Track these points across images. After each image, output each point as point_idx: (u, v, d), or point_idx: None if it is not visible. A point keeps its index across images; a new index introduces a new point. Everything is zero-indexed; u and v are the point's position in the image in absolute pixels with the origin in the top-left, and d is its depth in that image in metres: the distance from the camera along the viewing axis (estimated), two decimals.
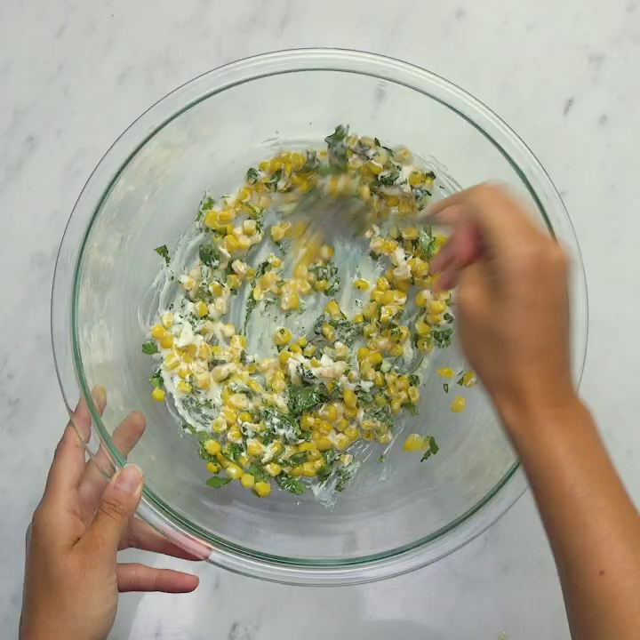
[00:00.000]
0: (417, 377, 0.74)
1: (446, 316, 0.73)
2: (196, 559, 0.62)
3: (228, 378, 0.74)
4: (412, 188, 0.72)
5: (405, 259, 0.74)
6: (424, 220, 0.72)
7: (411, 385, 0.73)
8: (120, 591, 0.59)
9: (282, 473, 0.72)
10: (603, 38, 0.82)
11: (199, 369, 0.73)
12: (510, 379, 0.49)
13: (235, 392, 0.74)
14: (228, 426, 0.73)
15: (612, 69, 0.81)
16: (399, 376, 0.73)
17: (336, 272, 0.76)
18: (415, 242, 0.74)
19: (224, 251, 0.74)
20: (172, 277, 0.74)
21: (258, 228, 0.75)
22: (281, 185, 0.74)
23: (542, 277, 0.48)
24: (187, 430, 0.73)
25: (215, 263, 0.74)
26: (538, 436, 0.48)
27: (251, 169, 0.73)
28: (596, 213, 0.80)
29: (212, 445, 0.72)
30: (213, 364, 0.74)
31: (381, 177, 0.72)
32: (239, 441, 0.73)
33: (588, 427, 0.50)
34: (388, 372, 0.74)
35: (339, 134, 0.72)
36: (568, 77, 0.81)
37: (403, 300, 0.74)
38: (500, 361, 0.49)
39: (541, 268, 0.48)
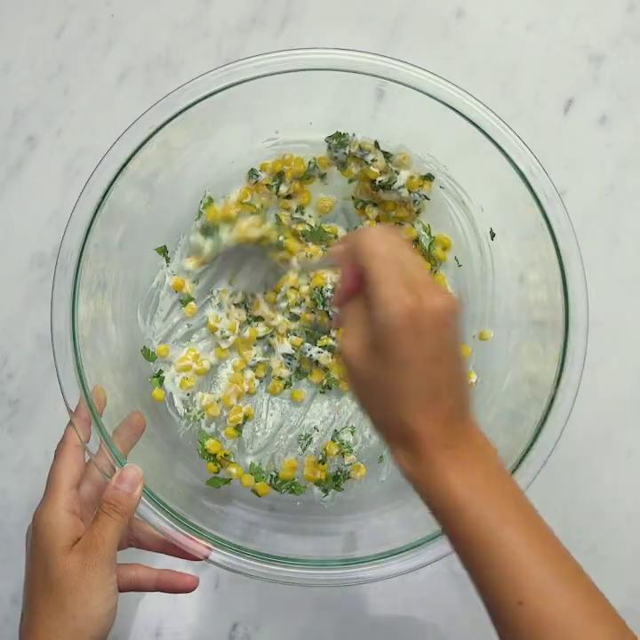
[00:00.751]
0: None
1: None
2: (197, 559, 0.62)
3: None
4: (410, 192, 0.72)
5: None
6: (323, 261, 0.73)
7: None
8: (120, 591, 0.59)
9: (281, 481, 0.73)
10: (603, 38, 0.82)
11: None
12: (401, 426, 0.48)
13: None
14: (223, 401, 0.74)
15: (612, 69, 0.81)
16: None
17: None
18: (416, 241, 0.74)
19: (227, 236, 0.74)
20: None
21: (263, 223, 0.75)
22: (283, 190, 0.74)
23: (419, 332, 0.46)
24: (188, 427, 0.73)
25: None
26: (435, 478, 0.48)
27: (252, 169, 0.74)
28: (596, 213, 0.80)
29: (212, 445, 0.72)
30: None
31: (379, 182, 0.72)
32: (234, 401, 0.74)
33: (486, 460, 0.49)
34: None
35: (342, 141, 0.72)
36: (568, 77, 0.82)
37: None
38: (389, 409, 0.48)
39: (418, 321, 0.46)
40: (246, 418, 0.75)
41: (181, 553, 0.62)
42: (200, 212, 0.74)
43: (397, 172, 0.72)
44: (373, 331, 0.48)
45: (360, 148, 0.72)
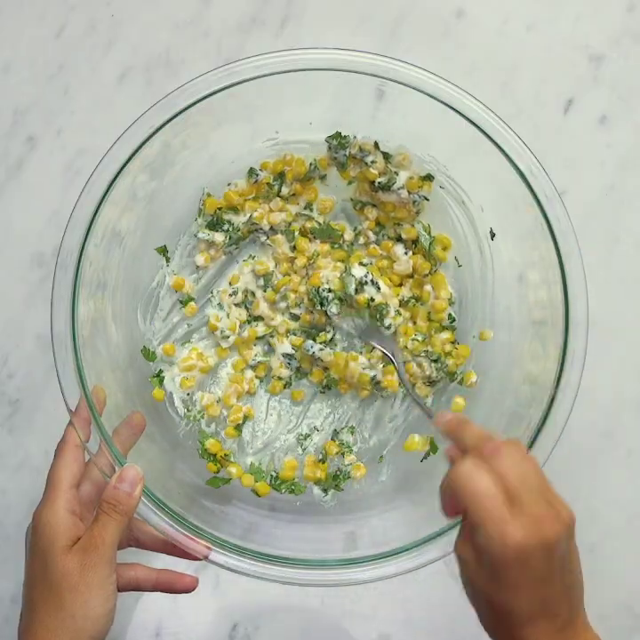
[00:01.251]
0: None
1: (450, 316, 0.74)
2: (196, 559, 0.62)
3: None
4: (410, 193, 0.72)
5: (406, 253, 0.74)
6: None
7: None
8: (119, 591, 0.59)
9: (280, 481, 0.73)
10: (603, 38, 0.82)
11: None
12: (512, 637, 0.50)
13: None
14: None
15: (612, 69, 0.81)
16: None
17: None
18: (415, 241, 0.74)
19: (240, 219, 0.74)
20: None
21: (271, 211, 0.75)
22: (285, 191, 0.74)
23: (525, 562, 0.48)
24: (188, 427, 0.73)
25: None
26: None
27: (251, 168, 0.74)
28: (596, 213, 0.80)
29: (212, 445, 0.72)
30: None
31: (378, 183, 0.72)
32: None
33: None
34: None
35: (342, 143, 0.72)
36: (568, 77, 0.81)
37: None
38: (501, 622, 0.50)
39: (524, 551, 0.47)
40: (246, 418, 0.75)
41: (181, 553, 0.62)
42: (200, 210, 0.74)
43: (397, 173, 0.72)
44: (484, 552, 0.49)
45: (360, 150, 0.72)
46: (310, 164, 0.73)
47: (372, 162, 0.72)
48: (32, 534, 0.59)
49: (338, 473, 0.73)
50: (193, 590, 0.63)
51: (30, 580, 0.58)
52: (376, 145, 0.72)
